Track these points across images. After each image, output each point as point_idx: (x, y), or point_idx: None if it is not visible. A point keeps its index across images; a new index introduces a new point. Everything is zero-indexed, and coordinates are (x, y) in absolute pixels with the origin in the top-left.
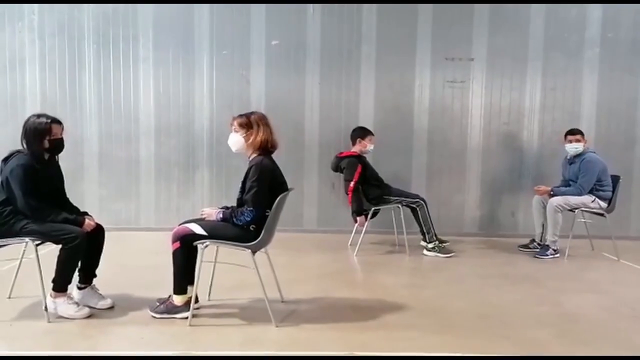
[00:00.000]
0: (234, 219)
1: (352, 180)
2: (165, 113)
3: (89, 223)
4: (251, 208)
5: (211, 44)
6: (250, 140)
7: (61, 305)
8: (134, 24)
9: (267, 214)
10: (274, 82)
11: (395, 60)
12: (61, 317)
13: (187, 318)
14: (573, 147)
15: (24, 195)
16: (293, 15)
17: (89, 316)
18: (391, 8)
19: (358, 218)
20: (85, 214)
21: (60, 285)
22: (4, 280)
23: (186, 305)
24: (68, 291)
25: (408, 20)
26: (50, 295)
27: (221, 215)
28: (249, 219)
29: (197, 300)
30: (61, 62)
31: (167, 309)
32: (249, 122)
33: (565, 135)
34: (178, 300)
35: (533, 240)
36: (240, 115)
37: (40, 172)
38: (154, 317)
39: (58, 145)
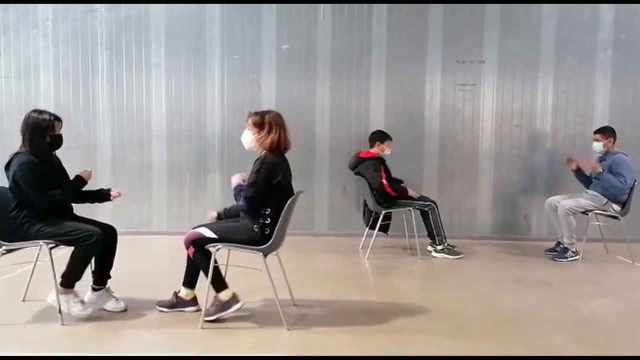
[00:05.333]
0: (237, 196)
1: (381, 180)
2: (177, 118)
3: (85, 173)
4: (245, 195)
5: (222, 50)
6: (262, 140)
7: (66, 303)
8: (146, 31)
9: (266, 212)
10: (284, 86)
11: (406, 64)
12: (67, 315)
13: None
14: (594, 146)
15: (38, 193)
16: (303, 20)
17: (97, 318)
18: (401, 12)
19: (409, 193)
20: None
21: (69, 281)
22: (18, 284)
23: (234, 298)
24: (79, 292)
25: (418, 24)
26: (58, 291)
27: (235, 183)
28: (242, 203)
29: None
30: (75, 68)
31: (220, 308)
32: (263, 122)
33: None
34: (224, 295)
35: (559, 243)
36: (256, 113)
37: (42, 168)
38: (208, 320)
39: (57, 141)
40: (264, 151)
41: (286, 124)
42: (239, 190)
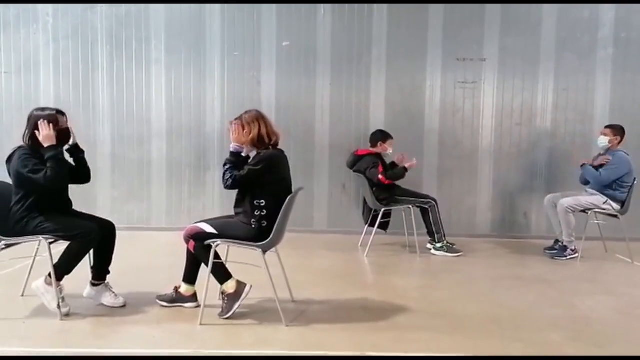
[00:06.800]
0: (225, 172)
1: (378, 176)
2: (176, 115)
3: (43, 137)
4: (233, 179)
5: (222, 46)
6: (248, 140)
7: (47, 294)
8: (147, 27)
9: (260, 204)
10: (284, 83)
11: (406, 62)
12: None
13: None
14: (599, 140)
15: (38, 177)
16: (304, 17)
17: (96, 314)
18: (402, 10)
19: (408, 166)
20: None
21: (59, 274)
22: (17, 279)
23: (240, 285)
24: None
25: (419, 22)
26: (45, 280)
27: (231, 149)
28: (226, 182)
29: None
30: (75, 64)
31: (231, 301)
32: (243, 125)
33: None
34: (231, 286)
35: (557, 241)
36: (235, 120)
37: (43, 161)
38: (226, 317)
39: (66, 135)
40: (260, 150)
41: (267, 118)
42: (233, 165)
